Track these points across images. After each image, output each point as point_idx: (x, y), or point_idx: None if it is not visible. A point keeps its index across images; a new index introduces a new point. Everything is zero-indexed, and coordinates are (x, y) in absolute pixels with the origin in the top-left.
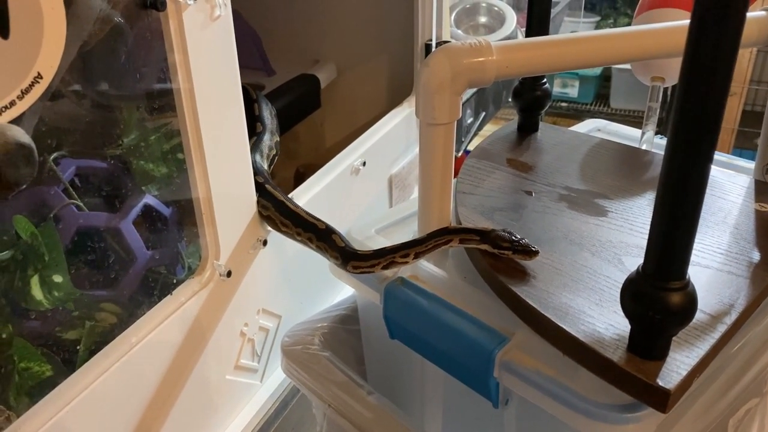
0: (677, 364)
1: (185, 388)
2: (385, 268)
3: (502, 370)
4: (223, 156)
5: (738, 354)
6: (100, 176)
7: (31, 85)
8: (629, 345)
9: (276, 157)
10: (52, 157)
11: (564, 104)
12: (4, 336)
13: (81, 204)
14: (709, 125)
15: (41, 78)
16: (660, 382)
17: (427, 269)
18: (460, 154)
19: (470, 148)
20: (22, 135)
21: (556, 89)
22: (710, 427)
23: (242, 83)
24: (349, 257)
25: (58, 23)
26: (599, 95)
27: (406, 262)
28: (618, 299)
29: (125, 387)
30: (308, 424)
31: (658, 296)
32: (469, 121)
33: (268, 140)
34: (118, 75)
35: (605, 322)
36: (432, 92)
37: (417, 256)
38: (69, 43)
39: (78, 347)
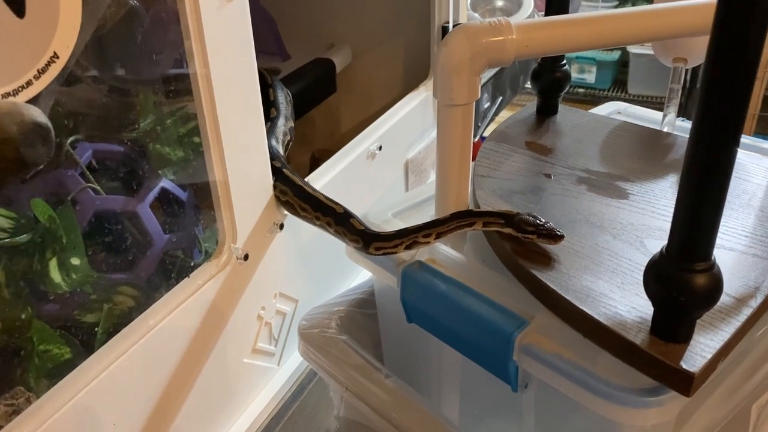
0: (701, 348)
1: (203, 370)
2: (407, 248)
3: (522, 354)
4: (240, 139)
5: (763, 338)
6: (117, 160)
7: (48, 65)
8: (652, 328)
9: (290, 143)
10: (69, 140)
11: (581, 90)
12: (23, 318)
13: (98, 187)
14: (737, 105)
15: (57, 58)
16: (684, 366)
17: (444, 252)
18: (476, 140)
19: (486, 134)
20: (39, 115)
21: (574, 75)
22: (733, 413)
23: (258, 68)
24: (371, 239)
25: (74, 2)
26: (617, 81)
27: (428, 242)
28: (640, 282)
29: (143, 369)
30: (325, 408)
31: (682, 278)
32: (485, 105)
33: (283, 126)
34: (134, 58)
35: (627, 304)
36: (450, 72)
37: (439, 236)
38: (85, 23)
39: (96, 330)
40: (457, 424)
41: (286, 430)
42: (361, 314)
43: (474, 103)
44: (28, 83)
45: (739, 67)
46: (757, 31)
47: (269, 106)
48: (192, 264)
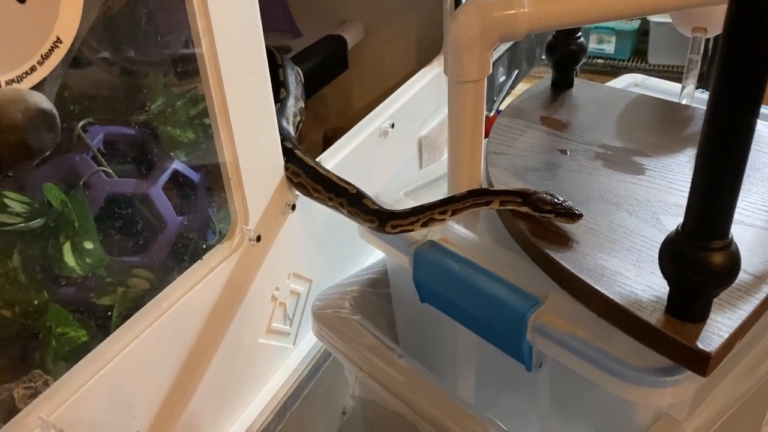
0: (718, 327)
1: (218, 351)
2: (424, 225)
3: (536, 333)
4: (249, 120)
5: None
6: (128, 143)
7: (51, 50)
8: (668, 307)
9: (301, 124)
10: (80, 124)
11: (600, 61)
12: (40, 302)
13: (110, 170)
14: (755, 73)
15: (61, 42)
16: (700, 345)
17: (457, 231)
18: (491, 114)
19: (501, 108)
20: (43, 101)
21: (592, 45)
22: (751, 391)
23: (268, 46)
24: (387, 217)
25: None
26: (637, 51)
27: (444, 219)
28: (656, 260)
29: (158, 351)
30: (341, 386)
31: (698, 256)
32: (501, 79)
33: (293, 106)
34: (144, 39)
35: (642, 283)
36: (461, 48)
37: (455, 213)
38: (88, 5)
39: (111, 313)
40: (472, 402)
41: (303, 408)
42: (375, 294)
43: (485, 79)
44: (32, 69)
45: (758, 32)
46: None
47: (279, 87)
48: (205, 246)
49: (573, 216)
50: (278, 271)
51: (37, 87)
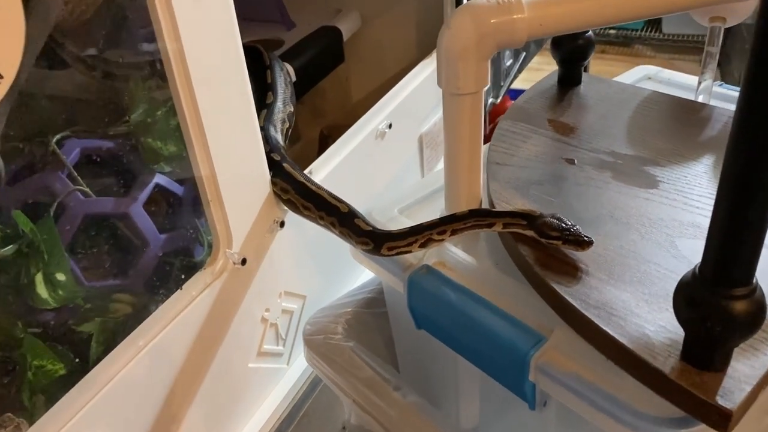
0: (740, 378)
1: (204, 383)
2: (422, 246)
3: (539, 374)
4: (227, 129)
5: None
6: (107, 157)
7: None
8: (683, 353)
9: (290, 130)
10: (54, 139)
11: (612, 31)
12: (15, 333)
13: (87, 189)
14: None
15: (2, 77)
16: (720, 401)
17: (455, 255)
18: (498, 101)
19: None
20: None
21: None
22: None
23: (257, 44)
24: (382, 239)
25: (14, 19)
26: (651, 20)
27: (443, 240)
28: (670, 293)
29: (136, 391)
30: (340, 405)
31: (718, 304)
32: (508, 63)
33: (281, 112)
34: (120, 45)
35: (655, 323)
36: (455, 58)
37: (454, 233)
38: (33, 35)
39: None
40: (474, 424)
41: (300, 429)
42: (371, 314)
43: (483, 91)
44: None
45: None
46: None
47: (266, 90)
48: (195, 262)
49: (582, 244)
50: (268, 292)
51: None
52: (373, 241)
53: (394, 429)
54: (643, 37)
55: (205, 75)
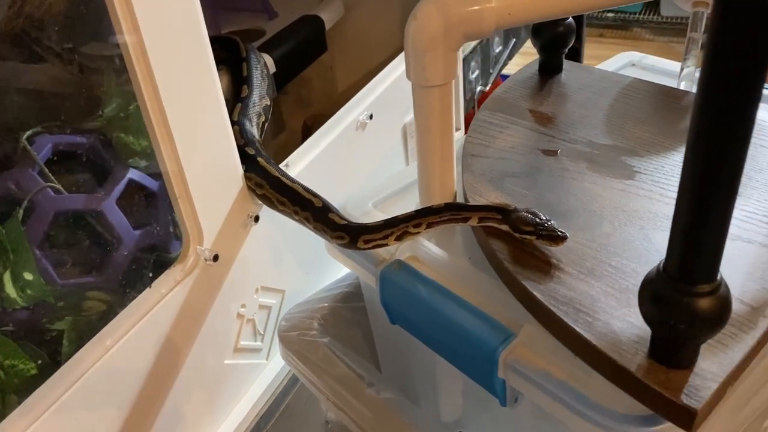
0: (706, 375)
1: (178, 380)
2: (398, 239)
3: (508, 370)
4: (193, 122)
5: None
6: (79, 152)
7: None
8: (650, 351)
9: (266, 124)
10: (25, 135)
11: (610, 15)
12: None
13: (58, 186)
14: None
15: None
16: (685, 400)
17: (428, 250)
18: (488, 88)
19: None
20: None
21: None
22: (749, 421)
23: (232, 36)
24: (358, 232)
25: None
26: (649, 3)
27: (418, 233)
28: None
29: (105, 389)
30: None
31: (682, 302)
32: (497, 50)
33: (256, 105)
34: (90, 39)
35: (623, 319)
36: (422, 50)
37: (430, 226)
38: None
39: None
40: (455, 419)
41: (280, 424)
42: (348, 309)
43: (452, 82)
44: None
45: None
46: None
47: (241, 84)
48: (171, 257)
49: (556, 239)
50: (243, 287)
51: None
52: (349, 234)
53: (369, 427)
54: (641, 20)
55: (168, 66)
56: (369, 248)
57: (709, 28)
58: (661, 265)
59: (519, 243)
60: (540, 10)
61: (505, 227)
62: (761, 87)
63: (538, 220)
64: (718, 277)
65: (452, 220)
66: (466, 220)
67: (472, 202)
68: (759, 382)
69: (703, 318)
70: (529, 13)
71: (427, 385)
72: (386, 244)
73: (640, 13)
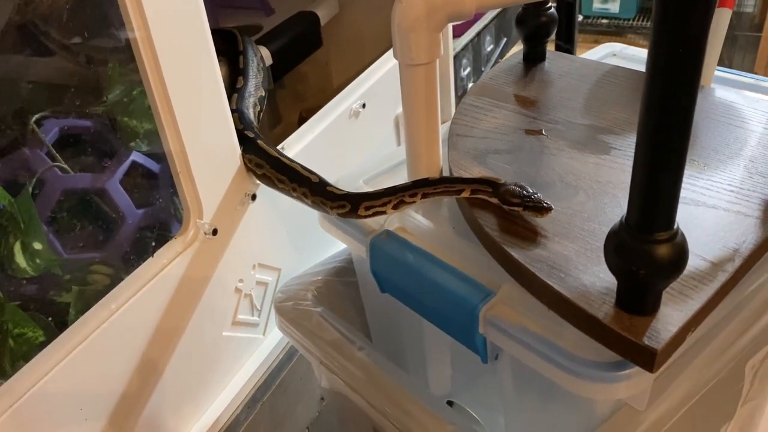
0: (667, 320)
1: (178, 348)
2: (395, 207)
3: (488, 326)
4: (195, 105)
5: (757, 293)
6: (85, 135)
7: None
8: (617, 300)
9: (261, 114)
10: (33, 118)
11: (605, 21)
12: None
13: (65, 166)
14: (694, 32)
15: None
16: (647, 341)
17: (414, 220)
18: None
19: None
20: None
21: (596, 5)
22: (723, 371)
23: (230, 29)
24: (359, 199)
25: None
26: (643, 9)
27: (414, 202)
28: None
29: (109, 352)
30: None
31: (642, 249)
32: (489, 48)
33: (252, 96)
34: (98, 27)
35: (593, 274)
36: (407, 30)
37: (425, 196)
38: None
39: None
40: (446, 390)
41: (276, 398)
42: (341, 283)
43: (437, 61)
44: None
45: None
46: None
47: (237, 75)
48: (171, 236)
49: (541, 210)
50: (241, 263)
51: None
52: (351, 202)
53: (360, 387)
54: (635, 27)
55: (173, 55)
56: (369, 215)
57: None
58: (623, 218)
59: (500, 211)
60: None
61: (494, 200)
62: (701, 59)
63: (525, 192)
64: (675, 227)
65: (446, 192)
66: (459, 192)
67: (455, 176)
68: (732, 336)
69: (662, 264)
70: None
71: (416, 355)
72: (384, 212)
73: (634, 20)
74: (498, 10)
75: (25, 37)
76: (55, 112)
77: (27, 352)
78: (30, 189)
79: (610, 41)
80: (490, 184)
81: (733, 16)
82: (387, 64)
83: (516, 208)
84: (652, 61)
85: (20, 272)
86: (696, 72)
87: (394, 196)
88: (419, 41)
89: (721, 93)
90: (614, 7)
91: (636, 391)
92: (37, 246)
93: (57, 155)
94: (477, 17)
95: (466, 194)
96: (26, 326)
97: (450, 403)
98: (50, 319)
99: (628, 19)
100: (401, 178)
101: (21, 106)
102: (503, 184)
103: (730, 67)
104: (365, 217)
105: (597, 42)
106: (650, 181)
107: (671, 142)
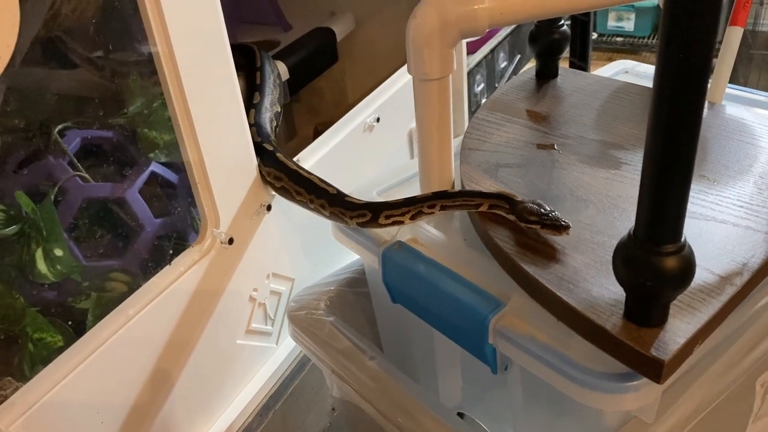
0: (675, 332)
1: (192, 355)
2: (413, 218)
3: (497, 336)
4: (214, 118)
5: (767, 309)
6: (106, 146)
7: None
8: (625, 311)
9: (277, 128)
10: (57, 128)
11: (619, 39)
12: (16, 308)
13: (86, 175)
14: (699, 52)
15: None
16: (654, 352)
17: (426, 232)
18: None
19: None
20: None
21: (611, 23)
22: (733, 386)
23: (250, 45)
24: (380, 208)
25: (10, 3)
26: (658, 27)
27: (432, 213)
28: None
29: (126, 357)
30: (327, 385)
31: (649, 261)
32: (502, 65)
33: (268, 111)
34: (121, 41)
35: (602, 286)
36: (421, 45)
37: (443, 208)
38: (28, 20)
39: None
40: (457, 401)
41: (287, 407)
42: (353, 293)
43: (450, 76)
44: None
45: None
46: None
47: (254, 90)
48: (188, 246)
49: (559, 228)
50: (255, 272)
51: None
52: (372, 211)
53: (371, 396)
54: (650, 45)
55: (194, 73)
56: (388, 224)
57: (660, 37)
58: (632, 231)
59: (511, 224)
60: (528, 11)
61: (511, 217)
62: (706, 76)
63: (542, 210)
64: (682, 240)
65: (465, 205)
66: (477, 206)
67: (473, 189)
68: (741, 352)
69: (669, 275)
70: (520, 13)
71: (427, 365)
72: (403, 222)
73: (648, 38)
74: (512, 27)
75: (50, 51)
76: (78, 123)
77: (46, 356)
78: (52, 197)
79: (624, 59)
80: (508, 201)
81: (749, 35)
82: (401, 79)
83: (534, 226)
84: (659, 77)
85: (41, 278)
86: (701, 88)
87: (413, 207)
88: (432, 57)
89: (732, 110)
90: (629, 25)
91: (644, 403)
92: (58, 253)
93: (79, 165)
94: (491, 34)
95: (483, 208)
96: (46, 331)
97: (461, 415)
98: (69, 324)
99: (643, 37)
100: (414, 190)
101: (45, 117)
102: (521, 202)
103: (745, 86)
104: (385, 225)
105: (611, 59)
106: (657, 195)
107: (678, 156)
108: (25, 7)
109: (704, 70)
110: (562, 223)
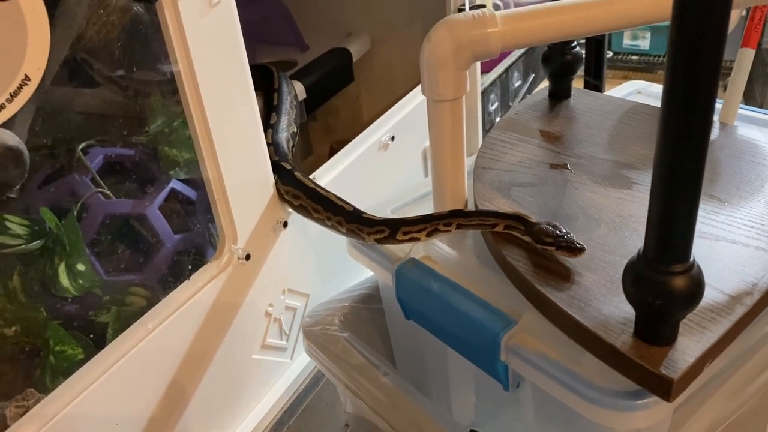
0: (684, 351)
1: (209, 369)
2: (429, 235)
3: (509, 354)
4: (233, 137)
5: None
6: (127, 163)
7: (20, 88)
8: (635, 330)
9: (294, 148)
10: (80, 146)
11: (635, 57)
12: (38, 321)
13: (108, 192)
14: (706, 72)
15: (29, 80)
16: (664, 371)
17: (439, 249)
18: None
19: None
20: (10, 138)
21: (626, 41)
22: (745, 405)
23: (269, 66)
24: (398, 224)
25: (41, 25)
26: None
27: (448, 231)
28: None
29: (144, 370)
30: (341, 401)
31: (658, 281)
32: (516, 84)
33: (284, 131)
34: (143, 61)
35: (613, 305)
36: (435, 67)
37: (459, 227)
38: (58, 43)
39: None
40: (470, 418)
41: (301, 422)
42: (367, 309)
43: (463, 97)
44: (1, 107)
45: (703, 40)
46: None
47: (270, 111)
48: (206, 262)
49: (574, 250)
50: (271, 288)
51: (7, 124)
52: (390, 227)
53: (384, 412)
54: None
55: (215, 94)
56: (405, 240)
57: (667, 59)
58: (641, 250)
59: (523, 243)
60: (540, 35)
61: (527, 238)
62: (713, 96)
63: (558, 232)
64: (691, 259)
65: (480, 224)
66: (493, 226)
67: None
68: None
69: (678, 295)
70: (531, 37)
71: (439, 382)
72: (419, 239)
73: (664, 56)
74: (526, 48)
75: (75, 71)
76: (101, 141)
77: (67, 368)
78: (75, 213)
79: (640, 77)
80: (523, 222)
81: (765, 54)
82: (415, 99)
83: (549, 248)
84: (666, 97)
85: (64, 292)
86: (707, 109)
87: (430, 224)
88: (446, 78)
89: (744, 131)
90: (644, 44)
91: (655, 421)
92: (81, 267)
93: (101, 181)
94: (505, 54)
95: (499, 229)
96: (67, 344)
97: None
98: (90, 337)
99: (659, 56)
100: (427, 208)
101: (70, 135)
102: (536, 223)
103: (761, 106)
104: (402, 242)
105: (626, 78)
106: (665, 215)
107: (685, 177)
108: (54, 31)
109: (710, 92)
110: (577, 245)
